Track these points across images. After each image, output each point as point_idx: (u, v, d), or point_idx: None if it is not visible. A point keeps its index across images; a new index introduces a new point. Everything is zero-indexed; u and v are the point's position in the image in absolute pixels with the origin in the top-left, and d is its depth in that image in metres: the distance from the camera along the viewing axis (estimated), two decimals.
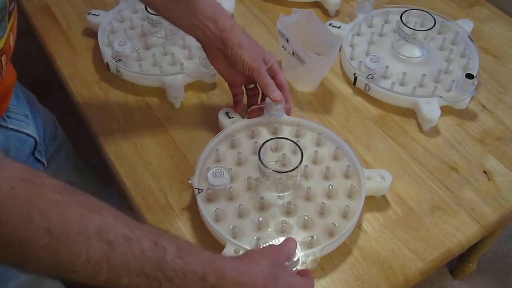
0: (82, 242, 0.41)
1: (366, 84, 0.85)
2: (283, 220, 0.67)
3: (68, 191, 0.42)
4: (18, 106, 0.72)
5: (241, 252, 0.63)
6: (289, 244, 0.60)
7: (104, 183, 1.02)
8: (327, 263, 0.66)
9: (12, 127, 0.68)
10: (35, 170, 0.42)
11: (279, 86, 0.75)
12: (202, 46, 0.74)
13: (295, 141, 0.71)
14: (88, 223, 0.41)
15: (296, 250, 0.61)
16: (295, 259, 0.61)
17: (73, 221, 0.41)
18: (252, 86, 0.79)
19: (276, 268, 0.54)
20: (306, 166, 0.72)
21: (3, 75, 0.62)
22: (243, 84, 0.79)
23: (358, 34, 0.93)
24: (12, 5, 0.59)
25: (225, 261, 0.51)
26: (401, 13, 0.87)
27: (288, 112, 0.78)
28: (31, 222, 0.39)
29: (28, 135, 0.71)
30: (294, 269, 0.61)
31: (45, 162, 0.76)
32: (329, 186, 0.70)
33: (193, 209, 0.71)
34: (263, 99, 0.79)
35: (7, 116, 0.68)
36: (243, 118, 0.78)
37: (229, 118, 0.78)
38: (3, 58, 0.60)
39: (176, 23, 0.72)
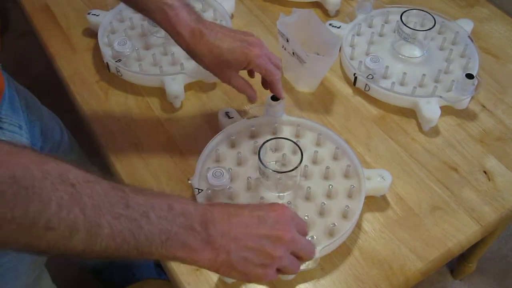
0: (48, 187, 0.39)
1: (366, 84, 0.85)
2: None
3: (19, 146, 0.41)
4: (12, 116, 0.70)
5: None
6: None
7: None
8: (327, 263, 0.66)
9: (4, 138, 0.66)
10: None
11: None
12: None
13: (295, 141, 0.71)
14: (48, 168, 0.40)
15: None
16: None
17: (34, 168, 0.40)
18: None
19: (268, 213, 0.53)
20: (306, 166, 0.72)
21: None
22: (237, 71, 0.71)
23: (358, 34, 0.93)
24: None
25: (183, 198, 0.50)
26: (401, 13, 0.87)
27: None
28: None
29: None
30: None
31: None
32: (329, 186, 0.70)
33: None
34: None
35: (0, 128, 0.67)
36: (243, 118, 0.78)
37: (229, 118, 0.78)
38: None
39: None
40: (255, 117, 0.79)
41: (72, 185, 0.41)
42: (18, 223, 0.38)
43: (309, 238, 0.65)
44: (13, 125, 0.70)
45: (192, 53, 0.69)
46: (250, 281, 0.53)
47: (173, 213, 0.47)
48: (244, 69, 0.70)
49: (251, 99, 0.74)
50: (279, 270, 0.55)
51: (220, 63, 0.68)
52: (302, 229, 0.57)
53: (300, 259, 0.56)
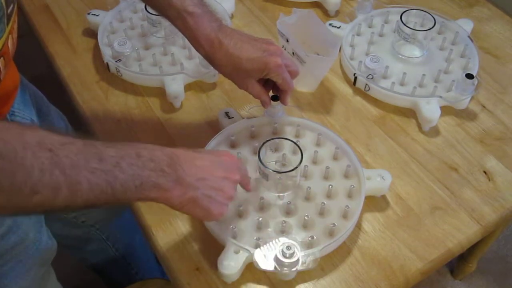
0: (29, 156, 0.42)
1: (366, 84, 0.85)
2: (283, 220, 0.67)
3: (2, 122, 0.44)
4: (25, 110, 0.71)
5: (241, 252, 0.63)
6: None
7: None
8: (327, 263, 0.66)
9: None
10: None
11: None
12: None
13: (295, 141, 0.71)
14: (26, 138, 0.43)
15: (296, 250, 0.61)
16: (295, 259, 0.60)
17: (15, 141, 0.42)
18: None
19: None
20: (306, 166, 0.72)
21: (1, 79, 0.61)
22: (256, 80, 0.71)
23: (358, 34, 0.93)
24: (11, 7, 0.59)
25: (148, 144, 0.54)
26: (401, 13, 0.87)
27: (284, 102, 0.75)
28: None
29: None
30: (293, 269, 0.61)
31: None
32: (329, 186, 0.70)
33: None
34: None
35: (12, 121, 0.68)
36: (243, 118, 0.78)
37: (229, 118, 0.79)
38: (1, 61, 0.60)
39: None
40: (255, 117, 0.79)
41: (50, 150, 0.44)
42: (6, 192, 0.42)
43: (309, 239, 0.65)
44: (25, 119, 0.71)
45: (211, 61, 0.69)
46: (209, 218, 0.59)
47: (142, 159, 0.51)
48: (262, 77, 0.70)
49: (265, 105, 0.75)
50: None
51: (239, 72, 0.68)
52: (244, 169, 0.64)
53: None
